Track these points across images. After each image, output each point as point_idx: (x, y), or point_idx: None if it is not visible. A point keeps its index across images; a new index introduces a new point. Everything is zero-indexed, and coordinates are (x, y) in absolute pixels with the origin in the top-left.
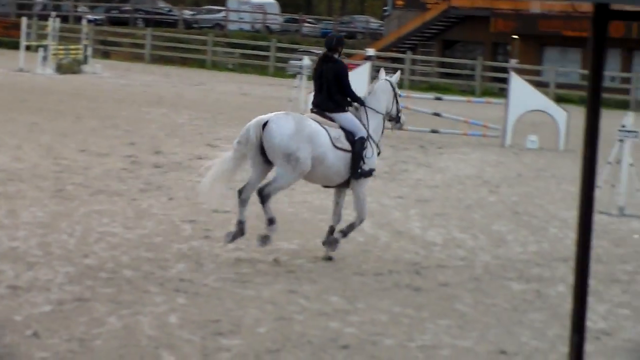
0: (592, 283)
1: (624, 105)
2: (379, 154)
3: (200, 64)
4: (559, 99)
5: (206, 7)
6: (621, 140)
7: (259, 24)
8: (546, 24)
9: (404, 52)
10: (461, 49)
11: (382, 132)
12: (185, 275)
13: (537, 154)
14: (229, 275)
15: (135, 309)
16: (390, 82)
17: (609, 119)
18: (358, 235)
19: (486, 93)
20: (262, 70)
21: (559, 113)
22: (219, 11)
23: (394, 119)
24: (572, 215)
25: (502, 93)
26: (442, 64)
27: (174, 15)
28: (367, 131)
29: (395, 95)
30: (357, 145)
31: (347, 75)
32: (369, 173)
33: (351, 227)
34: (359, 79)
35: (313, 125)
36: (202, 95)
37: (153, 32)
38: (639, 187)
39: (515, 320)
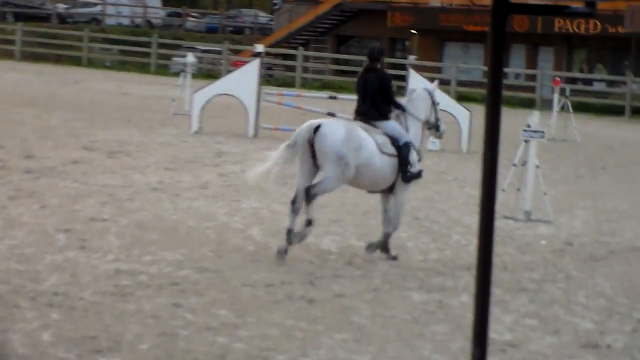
0: (498, 292)
1: (529, 104)
2: (419, 160)
3: (76, 62)
4: (461, 98)
5: (82, 0)
6: (526, 141)
7: (139, 19)
8: (447, 18)
9: (295, 48)
10: (356, 44)
11: (422, 140)
12: (60, 289)
13: (438, 156)
14: (108, 288)
15: (5, 325)
16: (429, 91)
17: (514, 118)
18: (247, 244)
19: None
20: (142, 68)
21: (460, 112)
22: (96, 4)
23: (433, 127)
24: (475, 220)
25: (400, 91)
26: (337, 61)
27: (47, 9)
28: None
29: (433, 103)
30: (403, 150)
31: (391, 85)
32: (419, 174)
33: (387, 236)
34: (247, 77)
35: (361, 132)
36: (77, 95)
37: (24, 27)
38: (546, 190)
39: (416, 332)
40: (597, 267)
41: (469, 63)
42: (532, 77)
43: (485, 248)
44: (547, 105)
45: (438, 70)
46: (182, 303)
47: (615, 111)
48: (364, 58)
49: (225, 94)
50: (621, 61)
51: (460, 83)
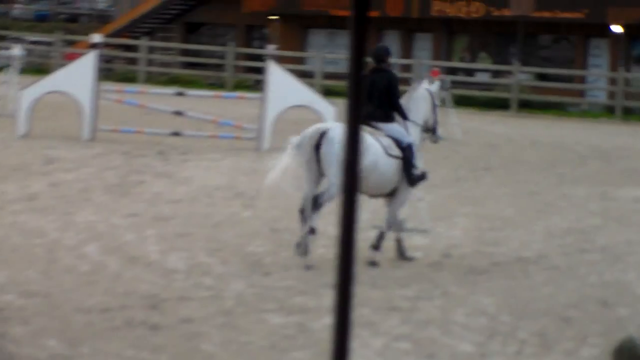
0: (366, 312)
1: None
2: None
3: None
4: (327, 92)
5: None
6: None
7: None
8: (310, 2)
9: (138, 38)
10: (208, 33)
11: (421, 142)
12: None
13: None
14: None
15: None
16: (430, 92)
17: None
18: (82, 264)
19: (239, 86)
20: None
21: (326, 108)
22: None
23: (431, 130)
24: None
25: (259, 86)
26: (186, 52)
27: None
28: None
29: (433, 105)
30: (406, 152)
31: (397, 87)
32: (423, 176)
33: (380, 238)
34: (82, 72)
35: (367, 137)
36: None
37: None
38: (422, 196)
39: None
40: (478, 281)
41: (336, 53)
42: (408, 68)
43: (345, 263)
44: None
45: (301, 61)
46: (4, 332)
47: (500, 105)
48: (217, 48)
49: (57, 92)
50: (507, 49)
51: (327, 75)
